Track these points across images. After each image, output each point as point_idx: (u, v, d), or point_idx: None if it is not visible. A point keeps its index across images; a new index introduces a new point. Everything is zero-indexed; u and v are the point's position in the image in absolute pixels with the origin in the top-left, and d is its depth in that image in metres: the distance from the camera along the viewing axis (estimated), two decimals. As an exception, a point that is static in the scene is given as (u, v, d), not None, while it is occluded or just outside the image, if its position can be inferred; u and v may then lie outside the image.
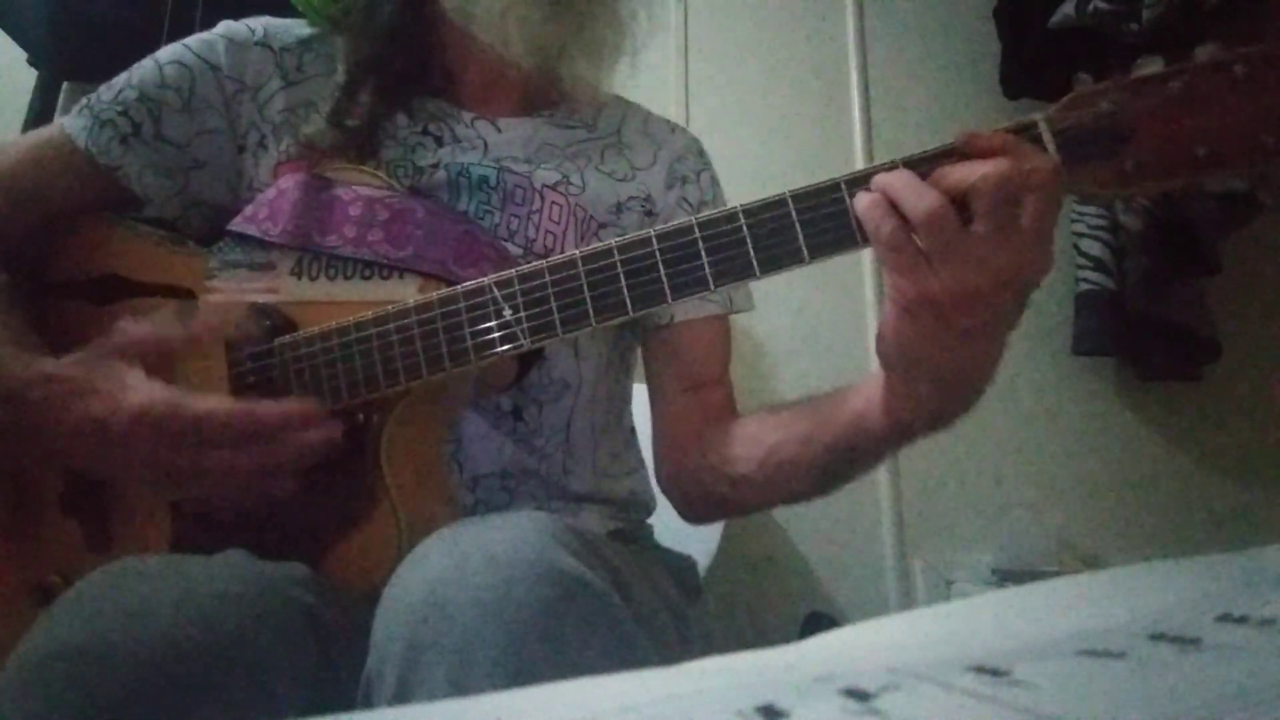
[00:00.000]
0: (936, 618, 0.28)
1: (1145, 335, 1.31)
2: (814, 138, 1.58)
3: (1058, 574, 0.83)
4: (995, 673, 0.19)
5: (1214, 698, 0.17)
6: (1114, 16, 1.23)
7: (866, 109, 1.57)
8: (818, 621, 1.29)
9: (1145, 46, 1.25)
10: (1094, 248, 1.35)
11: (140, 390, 0.52)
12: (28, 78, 1.38)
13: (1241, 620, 0.22)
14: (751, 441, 0.65)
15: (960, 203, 0.46)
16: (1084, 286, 1.35)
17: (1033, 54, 1.41)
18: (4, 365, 0.54)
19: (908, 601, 1.36)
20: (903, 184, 0.47)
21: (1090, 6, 1.26)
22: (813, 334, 1.49)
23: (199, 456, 0.52)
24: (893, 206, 0.47)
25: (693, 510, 0.74)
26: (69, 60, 1.36)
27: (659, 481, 0.75)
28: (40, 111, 1.36)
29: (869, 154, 1.55)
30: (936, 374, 0.51)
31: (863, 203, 0.48)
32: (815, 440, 0.60)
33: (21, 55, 1.38)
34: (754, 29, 1.65)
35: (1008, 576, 1.28)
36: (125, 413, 0.51)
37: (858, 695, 0.18)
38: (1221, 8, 1.18)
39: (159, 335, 0.56)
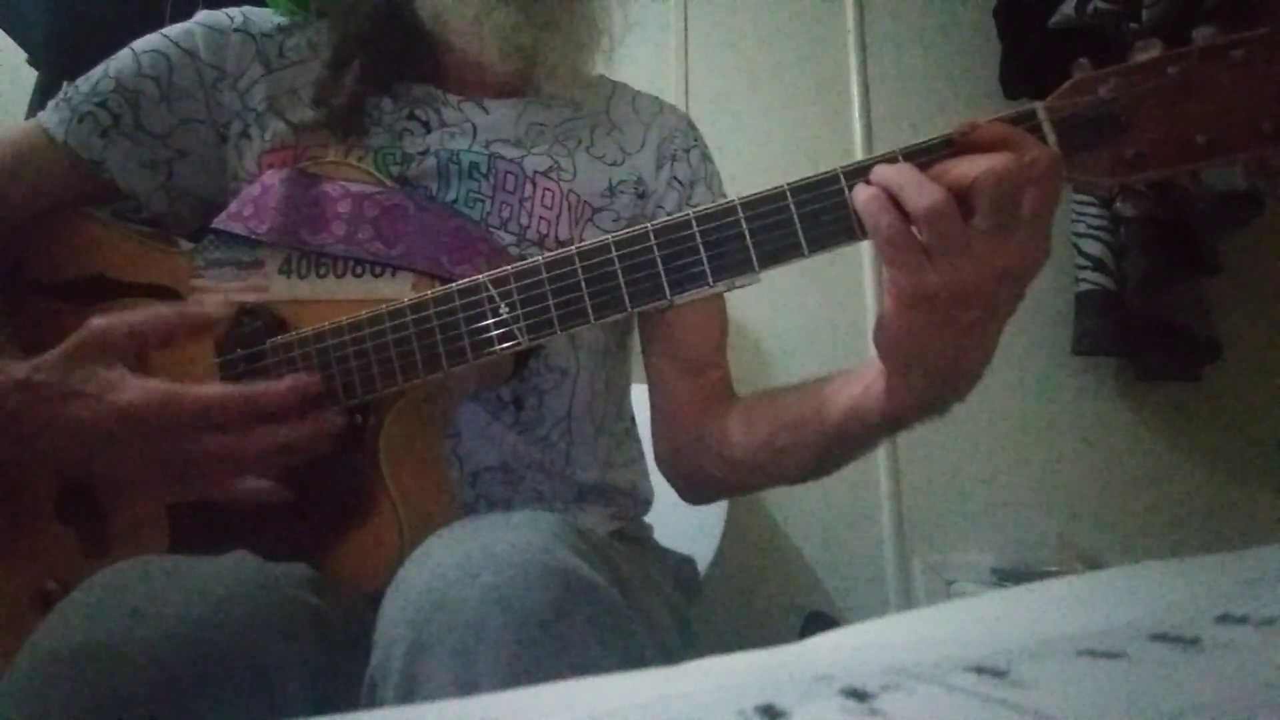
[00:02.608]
0: (936, 618, 0.28)
1: (1145, 335, 1.31)
2: (814, 137, 1.58)
3: (1058, 574, 0.83)
4: (995, 673, 0.19)
5: (1214, 698, 0.17)
6: (1114, 16, 1.23)
7: (866, 108, 1.57)
8: (818, 621, 1.29)
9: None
10: (1094, 248, 1.35)
11: (128, 388, 0.51)
12: (28, 77, 1.37)
13: (1241, 620, 0.22)
14: (749, 426, 0.65)
15: (960, 196, 0.45)
16: (1084, 286, 1.35)
17: (1033, 54, 1.41)
18: None
19: (908, 601, 1.36)
20: (904, 178, 0.46)
21: (1090, 6, 1.25)
22: (811, 328, 1.49)
23: (199, 445, 0.51)
24: (892, 200, 0.46)
25: (691, 490, 0.74)
26: (69, 60, 1.36)
27: (658, 461, 0.75)
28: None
29: (869, 154, 1.54)
30: (933, 365, 0.50)
31: (862, 196, 0.47)
32: (812, 426, 0.60)
33: (21, 55, 1.37)
34: (754, 28, 1.65)
35: (1008, 576, 1.28)
36: (114, 412, 0.50)
37: (858, 695, 0.18)
38: (1221, 6, 1.17)
39: (134, 328, 0.54)
